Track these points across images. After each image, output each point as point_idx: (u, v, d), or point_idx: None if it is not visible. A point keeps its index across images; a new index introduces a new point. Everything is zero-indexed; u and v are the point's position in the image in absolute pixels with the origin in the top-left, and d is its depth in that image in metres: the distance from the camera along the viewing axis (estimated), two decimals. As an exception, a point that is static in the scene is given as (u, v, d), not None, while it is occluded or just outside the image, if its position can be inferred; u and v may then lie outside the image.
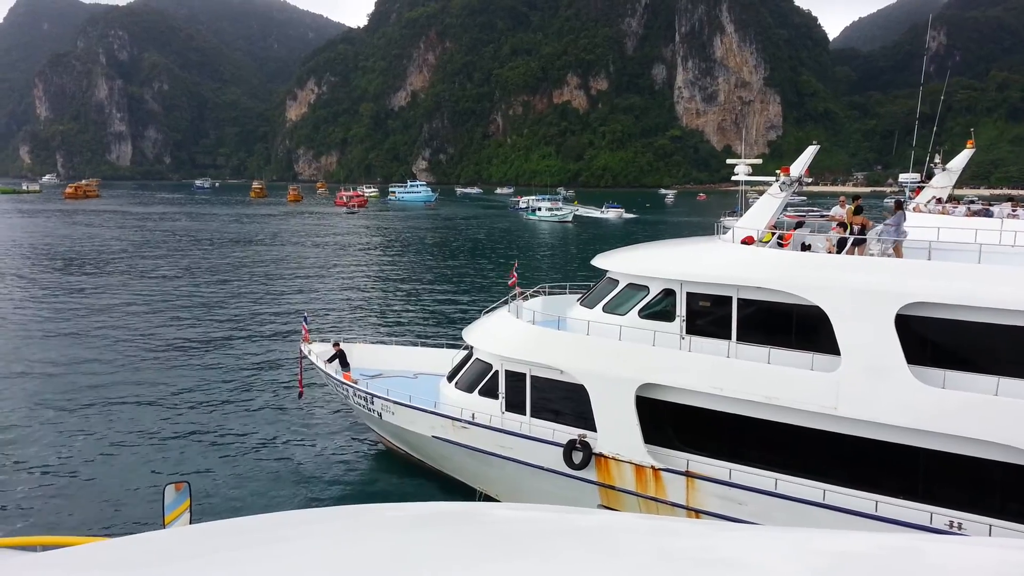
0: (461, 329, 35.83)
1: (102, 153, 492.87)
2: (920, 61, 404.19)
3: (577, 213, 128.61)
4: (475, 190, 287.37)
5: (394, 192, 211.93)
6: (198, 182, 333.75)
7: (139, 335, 36.28)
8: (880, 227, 16.41)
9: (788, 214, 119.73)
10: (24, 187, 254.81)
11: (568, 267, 61.90)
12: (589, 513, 2.41)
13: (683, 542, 2.09)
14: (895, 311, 13.15)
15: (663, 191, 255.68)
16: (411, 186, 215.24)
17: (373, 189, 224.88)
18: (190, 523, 4.42)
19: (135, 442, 22.54)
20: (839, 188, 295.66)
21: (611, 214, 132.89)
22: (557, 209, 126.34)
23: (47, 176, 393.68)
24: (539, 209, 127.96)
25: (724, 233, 17.00)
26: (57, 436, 23.11)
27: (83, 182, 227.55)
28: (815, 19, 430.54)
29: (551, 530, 2.20)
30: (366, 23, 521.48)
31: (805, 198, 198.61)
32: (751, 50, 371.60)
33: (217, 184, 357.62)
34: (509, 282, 25.48)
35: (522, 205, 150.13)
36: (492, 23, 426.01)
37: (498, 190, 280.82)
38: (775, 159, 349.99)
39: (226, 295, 47.95)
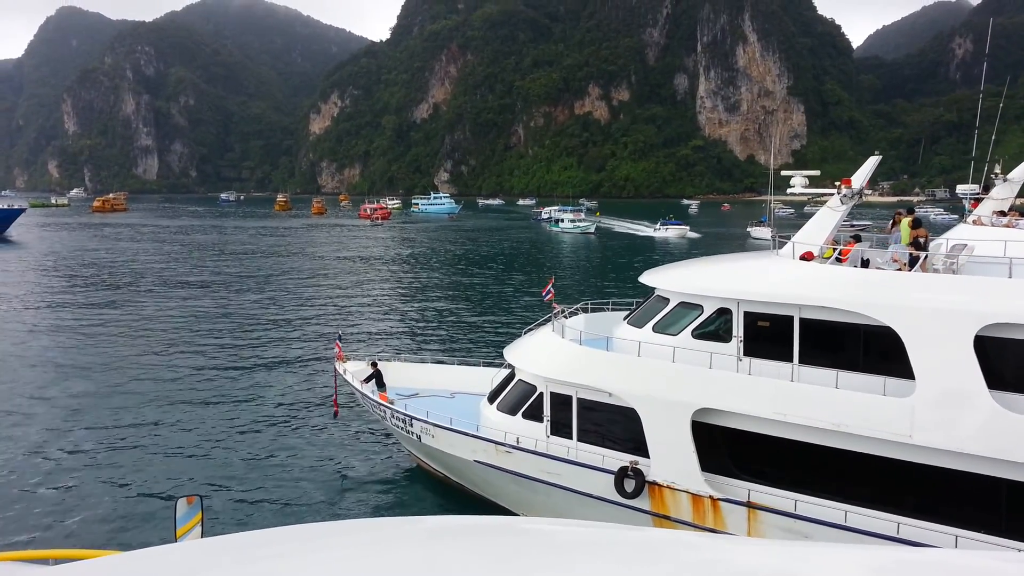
0: (494, 345, 35.25)
1: (129, 167, 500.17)
2: (945, 68, 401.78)
3: (602, 225, 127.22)
4: (497, 201, 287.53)
5: (417, 204, 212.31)
6: (223, 195, 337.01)
7: (167, 350, 36.01)
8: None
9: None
10: (53, 201, 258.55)
11: (594, 280, 61.18)
12: (628, 529, 2.34)
13: (730, 557, 2.00)
14: (974, 332, 12.33)
15: (686, 201, 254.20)
16: (434, 198, 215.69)
17: (396, 201, 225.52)
18: (201, 536, 4.44)
19: (159, 457, 22.14)
20: (866, 197, 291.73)
21: (671, 232, 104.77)
22: (580, 220, 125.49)
23: (75, 190, 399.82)
24: (561, 220, 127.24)
25: (780, 248, 16.24)
26: (77, 449, 22.85)
27: (111, 196, 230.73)
28: (839, 27, 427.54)
29: (586, 543, 2.14)
30: (388, 37, 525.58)
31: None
32: (774, 59, 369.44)
33: (242, 197, 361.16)
34: (545, 298, 24.88)
35: (544, 216, 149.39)
36: (514, 35, 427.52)
37: (520, 201, 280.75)
38: (799, 168, 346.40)
39: (255, 311, 47.69)
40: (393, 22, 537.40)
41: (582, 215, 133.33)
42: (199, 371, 32.12)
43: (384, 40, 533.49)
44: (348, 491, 20.15)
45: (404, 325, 43.04)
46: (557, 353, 17.06)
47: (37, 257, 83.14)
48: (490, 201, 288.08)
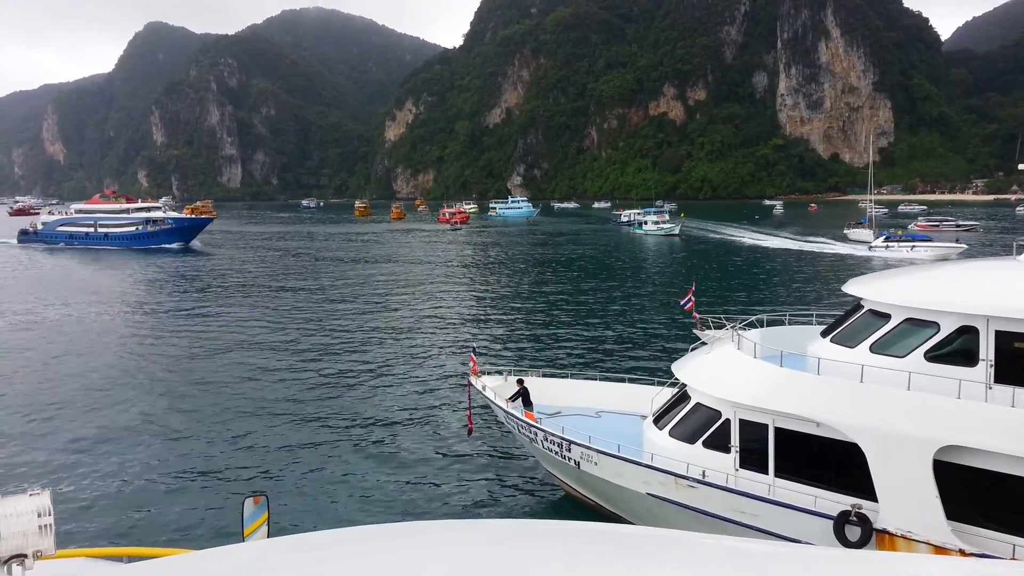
0: (621, 359, 33.17)
1: (214, 176, 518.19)
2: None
3: (692, 230, 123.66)
4: (572, 204, 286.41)
5: (495, 208, 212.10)
6: (304, 202, 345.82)
7: (294, 361, 35.30)
8: None
9: (920, 224, 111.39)
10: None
11: (714, 288, 58.37)
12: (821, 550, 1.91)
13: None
14: None
15: (768, 202, 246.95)
16: (512, 201, 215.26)
17: (473, 205, 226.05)
18: (268, 536, 4.57)
19: (276, 467, 21.08)
20: (958, 196, 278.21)
21: (923, 253, 71.30)
22: (663, 223, 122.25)
23: (163, 198, 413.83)
24: (645, 223, 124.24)
25: (1022, 253, 13.85)
26: (182, 449, 22.55)
27: (198, 203, 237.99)
28: (926, 20, 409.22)
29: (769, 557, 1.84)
30: (461, 43, 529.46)
31: (926, 208, 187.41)
32: (858, 54, 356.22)
33: (322, 204, 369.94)
34: (685, 307, 22.72)
35: (623, 219, 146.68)
36: (586, 37, 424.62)
37: (595, 204, 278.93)
38: (887, 166, 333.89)
39: (370, 320, 46.41)
40: (466, 28, 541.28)
41: (666, 217, 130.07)
42: (321, 382, 31.14)
43: (457, 47, 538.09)
44: (488, 513, 18.56)
45: (523, 336, 40.75)
46: (748, 374, 14.97)
47: (228, 264, 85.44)
48: (565, 204, 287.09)
